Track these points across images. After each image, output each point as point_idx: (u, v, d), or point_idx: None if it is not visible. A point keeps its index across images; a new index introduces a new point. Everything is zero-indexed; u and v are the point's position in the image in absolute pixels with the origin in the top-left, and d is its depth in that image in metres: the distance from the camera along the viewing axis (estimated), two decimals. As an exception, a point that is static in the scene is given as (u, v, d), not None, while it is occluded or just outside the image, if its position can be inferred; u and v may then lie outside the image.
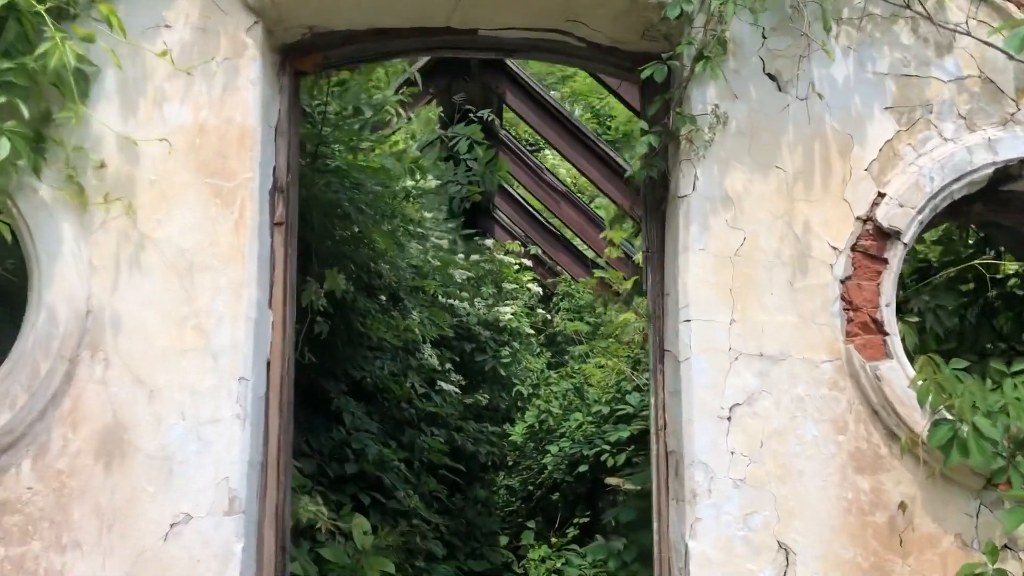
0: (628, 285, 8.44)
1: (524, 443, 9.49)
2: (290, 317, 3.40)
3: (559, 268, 12.73)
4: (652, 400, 3.42)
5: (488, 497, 8.25)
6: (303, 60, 3.42)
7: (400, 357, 6.67)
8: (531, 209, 11.52)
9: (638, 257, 9.35)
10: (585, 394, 8.38)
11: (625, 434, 6.82)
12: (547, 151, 13.72)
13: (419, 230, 6.18)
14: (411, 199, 5.87)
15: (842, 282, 3.18)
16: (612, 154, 8.04)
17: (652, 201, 3.43)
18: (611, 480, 6.65)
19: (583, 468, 7.09)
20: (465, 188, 5.49)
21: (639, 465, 6.63)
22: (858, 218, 3.21)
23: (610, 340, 8.53)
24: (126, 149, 3.10)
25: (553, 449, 7.90)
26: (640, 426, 6.71)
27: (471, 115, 5.74)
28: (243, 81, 3.14)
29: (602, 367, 8.54)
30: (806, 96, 3.23)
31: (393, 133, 5.63)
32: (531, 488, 8.45)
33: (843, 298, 3.18)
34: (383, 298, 6.13)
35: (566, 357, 10.65)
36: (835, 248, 3.19)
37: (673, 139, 3.25)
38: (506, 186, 11.52)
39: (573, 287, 11.13)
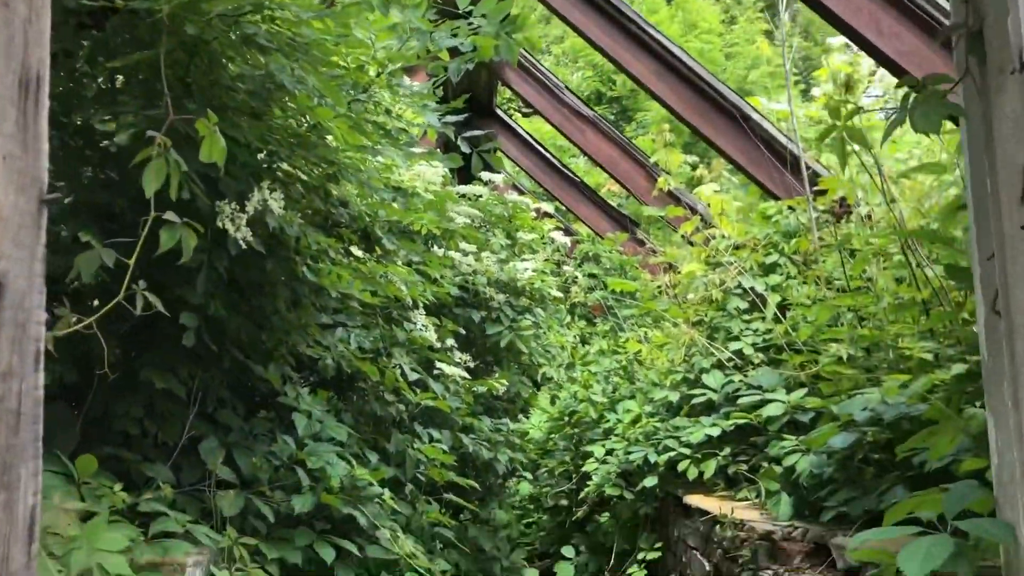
0: (688, 227, 6.25)
1: (546, 438, 7.24)
2: None
3: (577, 226, 10.52)
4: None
5: (510, 521, 6.06)
6: None
7: (380, 326, 4.47)
8: (537, 145, 9.24)
9: (698, 175, 7.16)
10: (635, 376, 6.17)
11: (714, 431, 4.60)
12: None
13: (400, 127, 3.96)
14: (387, 74, 3.66)
15: None
16: (665, 41, 5.80)
17: None
18: (697, 501, 4.44)
19: (650, 481, 4.92)
20: (470, 55, 3.29)
21: (740, 480, 4.44)
22: None
23: (666, 302, 6.33)
24: None
25: (597, 451, 5.72)
26: (740, 418, 4.51)
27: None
28: None
29: (646, 340, 6.35)
30: None
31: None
32: (565, 502, 6.28)
33: None
34: (348, 235, 3.93)
35: (590, 333, 8.44)
36: None
37: None
38: (505, 117, 9.29)
39: (599, 245, 8.92)
